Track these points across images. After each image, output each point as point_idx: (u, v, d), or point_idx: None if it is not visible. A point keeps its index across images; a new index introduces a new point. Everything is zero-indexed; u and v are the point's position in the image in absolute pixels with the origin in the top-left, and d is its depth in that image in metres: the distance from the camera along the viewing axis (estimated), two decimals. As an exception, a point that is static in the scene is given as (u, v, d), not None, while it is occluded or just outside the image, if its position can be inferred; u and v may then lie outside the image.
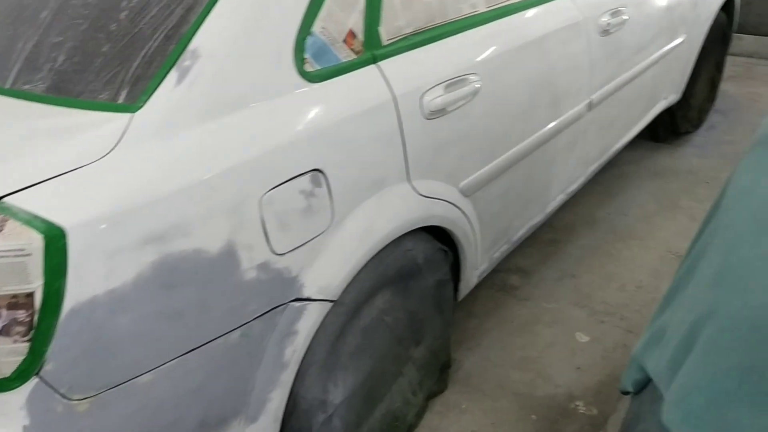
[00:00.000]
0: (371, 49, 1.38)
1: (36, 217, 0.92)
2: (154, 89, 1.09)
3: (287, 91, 1.22)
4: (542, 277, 2.41)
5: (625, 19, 2.24)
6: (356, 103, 1.31)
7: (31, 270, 0.92)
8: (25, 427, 0.96)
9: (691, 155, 3.27)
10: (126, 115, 1.06)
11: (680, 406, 0.73)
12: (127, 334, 1.02)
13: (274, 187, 1.16)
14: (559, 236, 2.65)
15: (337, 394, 1.43)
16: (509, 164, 1.80)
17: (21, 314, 0.94)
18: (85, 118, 1.08)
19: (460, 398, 1.89)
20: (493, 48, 1.66)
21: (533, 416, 1.82)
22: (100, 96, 1.11)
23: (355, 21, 1.35)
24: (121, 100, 1.09)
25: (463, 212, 1.66)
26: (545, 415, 1.83)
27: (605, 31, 2.13)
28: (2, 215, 0.92)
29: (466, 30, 1.62)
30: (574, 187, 2.35)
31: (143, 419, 1.08)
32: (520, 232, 2.07)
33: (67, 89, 1.15)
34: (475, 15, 1.66)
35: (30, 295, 0.93)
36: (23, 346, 0.95)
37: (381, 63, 1.39)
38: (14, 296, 0.93)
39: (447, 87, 1.50)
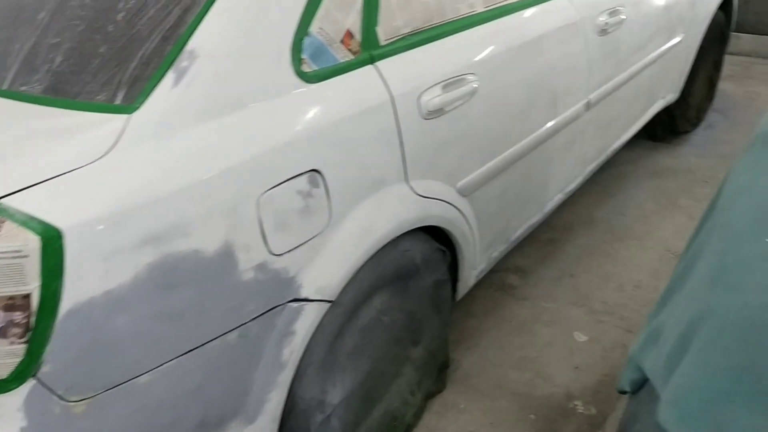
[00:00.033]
0: (369, 49, 1.38)
1: (33, 218, 0.92)
2: (152, 90, 1.09)
3: (285, 91, 1.22)
4: (541, 276, 2.41)
5: (623, 19, 2.24)
6: (354, 103, 1.31)
7: (28, 271, 0.92)
8: (22, 429, 0.96)
9: (689, 154, 3.27)
10: (123, 116, 1.06)
11: (676, 406, 0.73)
12: (124, 335, 1.02)
13: (271, 188, 1.16)
14: (558, 236, 2.65)
15: (335, 395, 1.43)
16: (507, 164, 1.80)
17: (18, 316, 0.93)
18: (83, 119, 1.08)
19: (458, 398, 1.89)
20: (491, 48, 1.66)
21: (532, 416, 1.82)
22: (98, 97, 1.11)
23: (353, 21, 1.35)
24: (118, 101, 1.09)
25: (461, 212, 1.66)
26: (544, 414, 1.83)
27: (603, 31, 2.13)
28: (-1, 217, 0.92)
29: (464, 30, 1.62)
30: (572, 186, 2.35)
31: (141, 420, 1.08)
32: (519, 231, 2.07)
33: (64, 90, 1.15)
34: (472, 15, 1.66)
35: (27, 297, 0.93)
36: (20, 348, 0.94)
37: (378, 63, 1.39)
38: (11, 298, 0.93)
39: (445, 87, 1.50)
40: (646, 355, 0.88)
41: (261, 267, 1.16)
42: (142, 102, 1.08)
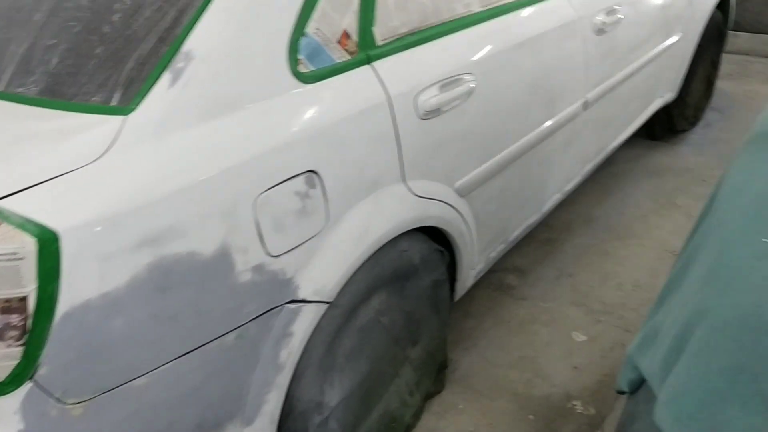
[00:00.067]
0: (365, 49, 1.37)
1: (29, 220, 0.92)
2: (148, 91, 1.08)
3: (281, 92, 1.22)
4: (539, 276, 2.41)
5: (620, 18, 2.24)
6: (351, 103, 1.31)
7: (24, 274, 0.92)
8: (19, 432, 0.96)
9: (687, 153, 3.27)
10: (119, 118, 1.06)
11: (672, 407, 0.73)
12: (121, 338, 1.01)
13: (268, 189, 1.15)
14: (556, 235, 2.65)
15: (333, 396, 1.43)
16: (505, 164, 1.80)
17: (14, 318, 0.93)
18: (79, 120, 1.08)
19: (457, 398, 1.89)
20: (488, 48, 1.66)
21: (531, 416, 1.82)
22: (94, 98, 1.11)
23: (349, 22, 1.35)
24: (114, 102, 1.09)
25: (459, 212, 1.65)
26: (543, 414, 1.83)
27: (600, 30, 2.13)
28: (-5, 219, 0.92)
29: (461, 30, 1.62)
30: (570, 186, 2.35)
31: (139, 423, 1.08)
32: (517, 231, 2.07)
33: (60, 92, 1.15)
34: (469, 15, 1.66)
35: (23, 299, 0.93)
36: (17, 351, 0.94)
37: (375, 63, 1.39)
38: (7, 300, 0.92)
39: (442, 87, 1.50)
40: (643, 356, 0.88)
41: (258, 268, 1.16)
42: (139, 103, 1.07)
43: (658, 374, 0.79)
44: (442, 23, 1.57)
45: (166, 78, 1.09)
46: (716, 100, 3.77)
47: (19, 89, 1.19)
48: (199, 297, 1.09)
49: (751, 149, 0.87)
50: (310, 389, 1.35)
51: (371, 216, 1.36)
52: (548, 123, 1.95)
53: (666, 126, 3.30)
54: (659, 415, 0.75)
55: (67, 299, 0.94)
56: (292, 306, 1.24)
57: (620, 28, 2.26)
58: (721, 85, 3.91)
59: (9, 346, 0.94)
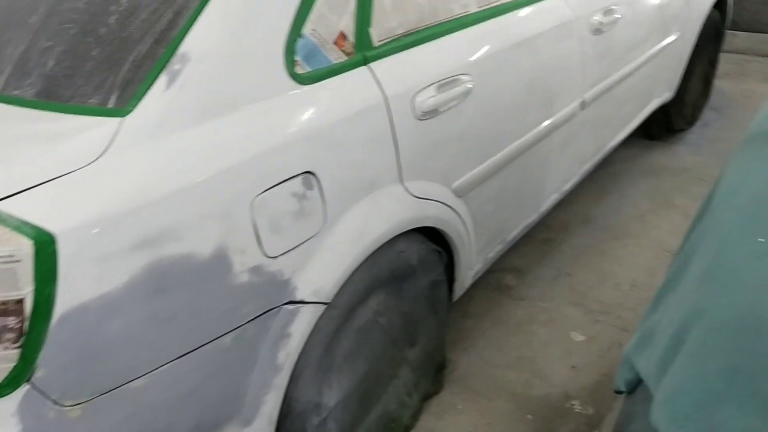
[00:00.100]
0: (362, 50, 1.37)
1: (25, 223, 0.92)
2: (144, 93, 1.08)
3: (278, 93, 1.22)
4: (537, 276, 2.41)
5: (618, 18, 2.24)
6: (348, 104, 1.31)
7: (21, 276, 0.92)
8: (16, 434, 0.96)
9: (685, 153, 3.28)
10: (116, 120, 1.06)
11: (668, 407, 0.73)
12: (118, 339, 1.01)
13: (265, 190, 1.15)
14: (554, 235, 2.65)
15: (331, 397, 1.43)
16: (502, 164, 1.80)
17: (11, 321, 0.93)
18: (75, 122, 1.08)
19: (455, 399, 1.89)
20: (485, 48, 1.66)
21: (529, 416, 1.82)
22: (90, 100, 1.11)
23: (346, 23, 1.35)
24: (110, 104, 1.09)
25: (457, 213, 1.66)
26: (541, 414, 1.83)
27: (597, 30, 2.13)
28: (-9, 221, 0.92)
29: (458, 30, 1.62)
30: (568, 186, 2.35)
31: (136, 424, 1.08)
32: (515, 231, 2.07)
33: (57, 94, 1.15)
34: (466, 15, 1.66)
35: (20, 302, 0.93)
36: (14, 353, 0.94)
37: (372, 64, 1.39)
38: (4, 303, 0.92)
39: (439, 87, 1.50)
40: (640, 355, 0.88)
41: (256, 270, 1.16)
42: (135, 105, 1.07)
43: (655, 374, 0.79)
44: (439, 24, 1.57)
45: (162, 80, 1.09)
46: (714, 99, 3.77)
47: (16, 91, 1.19)
48: (196, 298, 1.09)
49: (747, 149, 0.87)
50: (308, 390, 1.35)
51: (369, 217, 1.36)
52: (546, 123, 1.95)
53: (664, 125, 3.31)
54: (656, 415, 0.75)
55: (64, 301, 0.94)
56: (290, 307, 1.24)
57: (617, 28, 2.26)
58: (719, 84, 3.91)
59: (6, 348, 0.94)
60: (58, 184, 0.97)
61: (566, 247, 2.57)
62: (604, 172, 3.07)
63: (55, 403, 0.98)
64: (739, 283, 0.71)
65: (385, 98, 1.37)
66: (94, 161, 1.01)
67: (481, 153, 1.71)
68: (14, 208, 0.93)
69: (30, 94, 1.17)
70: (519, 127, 1.84)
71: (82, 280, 0.96)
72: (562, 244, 2.59)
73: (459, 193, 1.65)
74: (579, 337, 2.09)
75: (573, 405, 1.85)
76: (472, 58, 1.61)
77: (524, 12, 1.85)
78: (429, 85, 1.47)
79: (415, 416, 1.80)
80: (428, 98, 1.46)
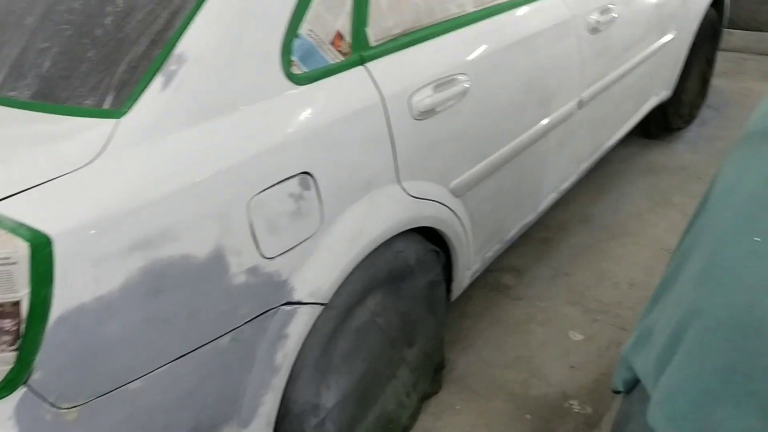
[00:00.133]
0: (359, 50, 1.37)
1: (21, 224, 0.92)
2: (140, 94, 1.08)
3: (274, 93, 1.22)
4: (535, 275, 2.41)
5: (615, 17, 2.24)
6: (344, 104, 1.31)
7: (17, 278, 0.91)
8: (13, 437, 0.96)
9: (683, 151, 3.28)
10: (112, 121, 1.06)
11: (665, 407, 0.73)
12: (116, 341, 1.01)
13: (262, 191, 1.15)
14: (552, 235, 2.65)
15: (329, 398, 1.43)
16: (500, 164, 1.80)
17: (8, 323, 0.93)
18: (71, 124, 1.08)
19: (454, 399, 1.89)
20: (482, 48, 1.66)
21: (528, 416, 1.82)
22: (86, 102, 1.11)
23: (343, 23, 1.34)
24: (106, 105, 1.09)
25: (455, 212, 1.65)
26: (540, 414, 1.83)
27: (595, 29, 2.13)
28: (-13, 224, 0.91)
29: (455, 30, 1.62)
30: (566, 185, 2.35)
31: (134, 426, 1.08)
32: (513, 231, 2.07)
33: (52, 95, 1.15)
34: (463, 15, 1.66)
35: (16, 304, 0.92)
36: (10, 356, 0.94)
37: (369, 64, 1.39)
38: (0, 305, 0.92)
39: (436, 87, 1.49)
40: (637, 355, 0.88)
41: (253, 271, 1.16)
42: (131, 106, 1.07)
43: (652, 374, 0.79)
44: (436, 23, 1.57)
45: (158, 81, 1.09)
46: (711, 97, 3.78)
47: (11, 93, 1.19)
48: (193, 300, 1.09)
49: (744, 148, 0.87)
50: (306, 391, 1.35)
51: (366, 217, 1.36)
52: (543, 122, 1.95)
53: (661, 124, 3.31)
54: (652, 415, 0.75)
55: (60, 303, 0.94)
56: (287, 308, 1.24)
57: (614, 27, 2.26)
58: (716, 82, 3.92)
59: (2, 351, 0.94)
60: (54, 186, 0.97)
61: (564, 247, 2.57)
62: (602, 171, 3.07)
63: (52, 405, 0.98)
64: (736, 282, 0.71)
65: (382, 98, 1.37)
66: (90, 163, 1.01)
67: (479, 152, 1.71)
68: (10, 209, 0.93)
69: (26, 95, 1.17)
70: (516, 127, 1.84)
71: (78, 282, 0.95)
72: (560, 243, 2.59)
73: (456, 193, 1.65)
74: (577, 337, 2.09)
75: (571, 404, 1.85)
76: (469, 58, 1.61)
77: (521, 11, 1.85)
78: (426, 85, 1.47)
79: (414, 416, 1.80)
80: (425, 98, 1.46)
